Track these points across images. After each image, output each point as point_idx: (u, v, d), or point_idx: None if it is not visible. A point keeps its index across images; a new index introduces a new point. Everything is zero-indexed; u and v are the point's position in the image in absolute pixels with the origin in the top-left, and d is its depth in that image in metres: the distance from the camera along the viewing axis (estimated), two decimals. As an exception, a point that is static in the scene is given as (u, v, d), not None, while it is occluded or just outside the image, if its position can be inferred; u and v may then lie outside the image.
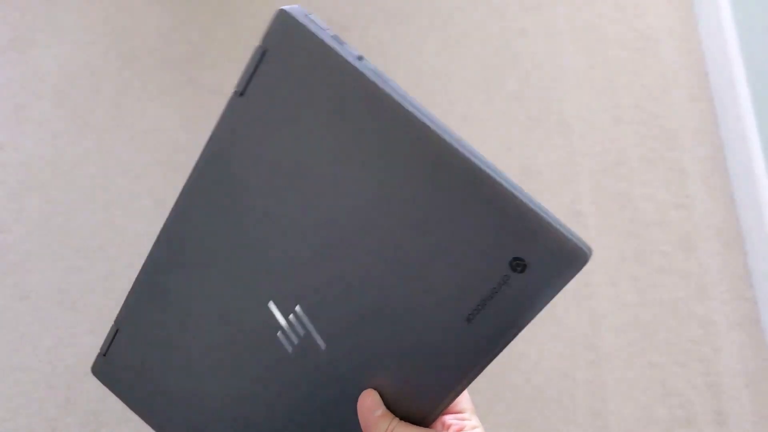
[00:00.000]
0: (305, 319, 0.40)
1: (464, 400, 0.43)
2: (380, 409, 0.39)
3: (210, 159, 0.40)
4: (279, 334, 0.40)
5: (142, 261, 0.43)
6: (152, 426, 0.46)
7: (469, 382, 0.38)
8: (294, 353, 0.40)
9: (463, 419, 0.41)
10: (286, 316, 0.40)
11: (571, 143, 1.27)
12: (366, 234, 0.37)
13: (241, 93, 0.38)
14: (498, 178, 0.36)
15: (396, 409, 0.40)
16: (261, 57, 0.37)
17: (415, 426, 0.39)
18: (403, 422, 0.39)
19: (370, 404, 0.39)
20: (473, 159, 0.36)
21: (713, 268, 1.16)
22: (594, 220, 1.20)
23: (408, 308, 0.38)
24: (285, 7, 0.36)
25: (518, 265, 0.36)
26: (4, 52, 1.35)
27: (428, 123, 0.35)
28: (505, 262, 0.36)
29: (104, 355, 0.48)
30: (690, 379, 1.08)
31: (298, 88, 0.37)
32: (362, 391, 0.40)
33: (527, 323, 0.37)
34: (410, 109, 0.35)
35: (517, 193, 0.36)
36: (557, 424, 1.05)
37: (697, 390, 1.07)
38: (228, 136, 0.39)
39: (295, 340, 0.40)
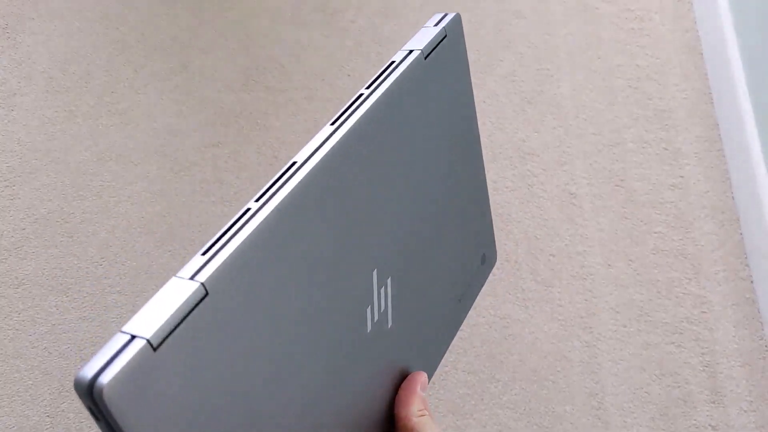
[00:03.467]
0: (389, 295, 0.39)
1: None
2: (425, 391, 0.43)
3: (379, 111, 0.37)
4: (368, 309, 0.38)
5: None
6: None
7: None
8: (371, 332, 0.38)
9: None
10: (379, 289, 0.39)
11: (566, 124, 1.26)
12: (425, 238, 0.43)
13: (426, 56, 0.39)
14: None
15: None
16: (443, 37, 0.40)
17: (433, 422, 0.42)
18: (430, 415, 0.43)
19: (423, 384, 0.43)
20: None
21: (708, 248, 1.16)
22: (589, 201, 1.19)
23: (434, 293, 0.44)
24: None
25: (483, 259, 0.48)
26: (-5, 39, 1.34)
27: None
28: (479, 259, 0.47)
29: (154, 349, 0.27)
30: (686, 359, 1.08)
31: (451, 79, 0.41)
32: (401, 366, 0.43)
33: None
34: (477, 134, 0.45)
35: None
36: (553, 405, 1.05)
37: (692, 369, 1.07)
38: (403, 101, 0.38)
39: (376, 317, 0.39)
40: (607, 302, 1.12)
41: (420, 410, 0.42)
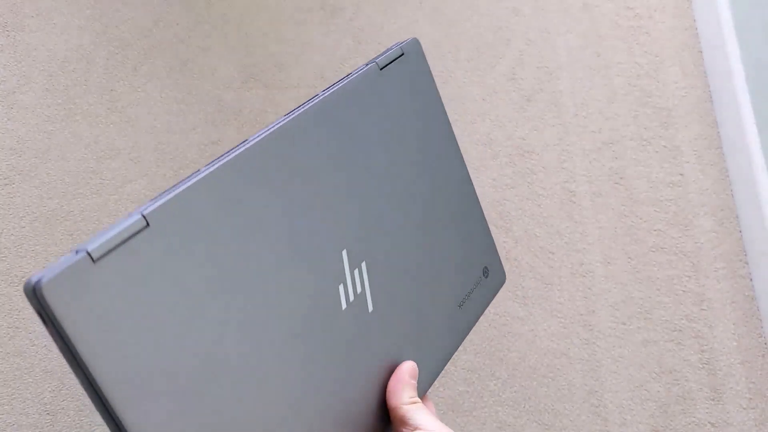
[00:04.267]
0: (366, 278, 0.42)
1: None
2: (415, 379, 0.44)
3: (336, 105, 0.43)
4: (341, 286, 0.41)
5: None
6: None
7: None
8: (346, 310, 0.41)
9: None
10: (351, 270, 0.42)
11: (565, 122, 1.26)
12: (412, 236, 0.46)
13: (381, 68, 0.46)
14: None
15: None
16: (400, 54, 0.47)
17: (425, 407, 0.43)
18: (424, 403, 0.44)
19: (411, 371, 0.44)
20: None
21: (707, 246, 1.16)
22: (588, 199, 1.19)
23: (429, 295, 0.46)
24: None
25: (486, 271, 0.50)
26: (-6, 37, 1.34)
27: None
28: (480, 269, 0.50)
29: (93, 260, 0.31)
30: (685, 357, 1.08)
31: (412, 91, 0.48)
32: (391, 358, 0.44)
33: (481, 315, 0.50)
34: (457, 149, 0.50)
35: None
36: (552, 402, 1.05)
37: (692, 367, 1.07)
38: (358, 99, 0.44)
39: (351, 297, 0.42)
40: (607, 300, 1.12)
41: (411, 397, 0.42)
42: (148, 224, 0.32)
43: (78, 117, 1.26)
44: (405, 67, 0.47)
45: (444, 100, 0.53)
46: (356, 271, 0.42)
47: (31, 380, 1.06)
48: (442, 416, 1.04)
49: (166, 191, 0.34)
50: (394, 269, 0.44)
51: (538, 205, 1.19)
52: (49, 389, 1.06)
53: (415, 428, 0.40)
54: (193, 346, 0.33)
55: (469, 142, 1.24)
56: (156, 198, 0.33)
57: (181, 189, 0.34)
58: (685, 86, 1.29)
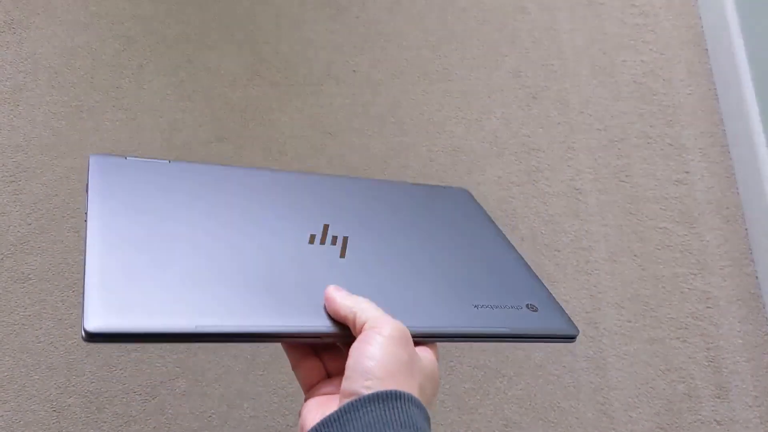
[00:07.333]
0: (340, 239, 0.51)
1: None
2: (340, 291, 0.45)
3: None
4: (311, 234, 0.51)
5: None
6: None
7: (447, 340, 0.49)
8: (314, 246, 0.50)
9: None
10: (331, 236, 0.51)
11: (571, 120, 1.26)
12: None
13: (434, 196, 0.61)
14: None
15: None
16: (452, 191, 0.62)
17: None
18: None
19: (333, 287, 0.46)
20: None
21: (713, 244, 1.16)
22: (594, 197, 1.19)
23: (436, 279, 0.52)
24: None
25: (530, 307, 0.52)
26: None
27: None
28: (522, 303, 0.52)
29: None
30: (691, 354, 1.08)
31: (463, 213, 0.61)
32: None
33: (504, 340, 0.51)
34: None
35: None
36: (558, 400, 1.05)
37: (698, 365, 1.07)
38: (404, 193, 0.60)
39: (322, 243, 0.50)
40: (612, 297, 1.12)
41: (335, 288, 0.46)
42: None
43: (84, 114, 1.26)
44: (456, 201, 0.59)
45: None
46: (338, 240, 0.50)
47: (37, 377, 1.06)
48: (448, 413, 1.05)
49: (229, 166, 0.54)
50: (377, 248, 0.52)
51: (544, 202, 1.19)
52: (55, 386, 1.06)
53: (355, 314, 0.43)
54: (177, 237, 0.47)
55: (474, 140, 1.24)
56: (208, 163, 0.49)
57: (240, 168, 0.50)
58: (690, 84, 1.29)
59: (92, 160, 0.51)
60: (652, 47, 1.32)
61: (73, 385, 1.06)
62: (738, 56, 1.22)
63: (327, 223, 0.51)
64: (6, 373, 1.06)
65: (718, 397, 1.05)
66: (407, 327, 0.43)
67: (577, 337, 0.52)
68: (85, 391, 1.05)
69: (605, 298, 1.12)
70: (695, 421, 1.04)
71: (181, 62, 1.32)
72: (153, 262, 0.43)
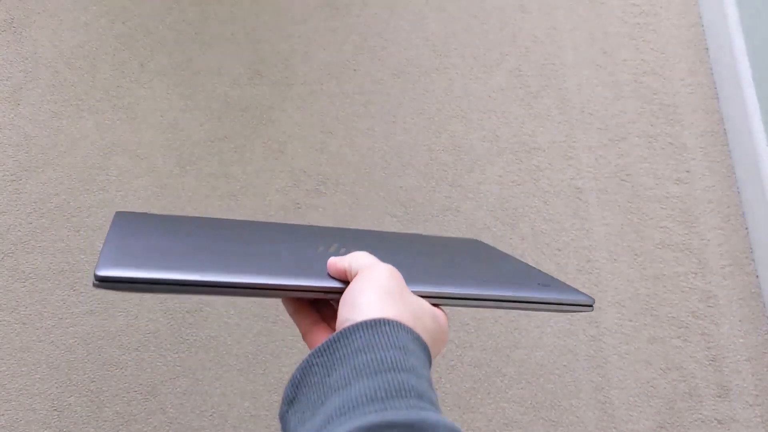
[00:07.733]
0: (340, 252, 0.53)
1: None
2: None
3: None
4: (319, 246, 0.53)
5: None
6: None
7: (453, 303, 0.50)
8: (321, 250, 0.52)
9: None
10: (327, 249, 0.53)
11: (571, 119, 1.26)
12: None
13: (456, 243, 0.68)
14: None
15: None
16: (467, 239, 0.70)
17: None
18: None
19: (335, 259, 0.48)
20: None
21: (714, 243, 1.16)
22: (594, 196, 1.19)
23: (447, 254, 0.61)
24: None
25: (542, 285, 0.55)
26: (0, 33, 1.34)
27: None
28: (536, 283, 0.55)
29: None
30: (691, 353, 1.08)
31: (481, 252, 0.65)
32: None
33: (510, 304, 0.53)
34: None
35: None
36: (559, 399, 1.05)
37: (698, 364, 1.07)
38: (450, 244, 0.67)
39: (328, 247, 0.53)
40: (613, 297, 1.12)
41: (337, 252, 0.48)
42: None
43: (84, 113, 1.26)
44: (476, 246, 0.65)
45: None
46: (343, 250, 0.52)
47: (38, 376, 1.06)
48: (449, 412, 1.05)
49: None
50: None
51: (545, 201, 1.19)
52: (56, 385, 1.06)
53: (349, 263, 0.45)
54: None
55: (475, 139, 1.24)
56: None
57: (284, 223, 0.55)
58: (691, 83, 1.29)
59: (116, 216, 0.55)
60: (652, 46, 1.32)
61: (74, 384, 1.06)
62: (738, 55, 1.22)
63: (338, 245, 0.54)
64: (7, 372, 1.06)
65: (719, 396, 1.05)
66: (421, 289, 0.46)
67: (593, 306, 0.55)
68: (86, 389, 1.06)
69: (606, 297, 1.12)
70: (696, 420, 1.04)
71: (182, 62, 1.32)
72: (165, 239, 0.49)
